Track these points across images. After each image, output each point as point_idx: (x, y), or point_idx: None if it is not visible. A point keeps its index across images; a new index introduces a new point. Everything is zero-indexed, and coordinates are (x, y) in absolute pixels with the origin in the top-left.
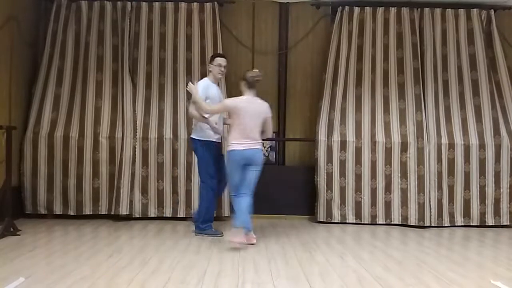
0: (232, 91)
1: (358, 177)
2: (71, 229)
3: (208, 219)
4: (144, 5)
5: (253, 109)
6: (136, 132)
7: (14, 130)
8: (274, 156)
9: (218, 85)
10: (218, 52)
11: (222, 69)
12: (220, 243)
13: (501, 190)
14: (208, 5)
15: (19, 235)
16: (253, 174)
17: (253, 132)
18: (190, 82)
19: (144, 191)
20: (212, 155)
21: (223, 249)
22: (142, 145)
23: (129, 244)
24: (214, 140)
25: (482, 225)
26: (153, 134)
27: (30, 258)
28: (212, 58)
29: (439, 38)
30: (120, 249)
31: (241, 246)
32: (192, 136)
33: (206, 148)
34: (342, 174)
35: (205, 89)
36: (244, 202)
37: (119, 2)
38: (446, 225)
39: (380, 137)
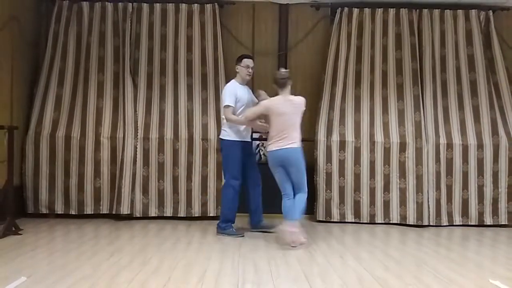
0: None
1: (357, 177)
2: (72, 229)
3: (229, 219)
4: (145, 6)
5: (286, 107)
6: (137, 132)
7: (16, 130)
8: None
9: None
10: (242, 54)
11: (250, 70)
12: (221, 244)
13: (499, 190)
14: (208, 6)
15: (20, 234)
16: (293, 174)
17: (289, 131)
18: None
19: (145, 191)
20: (240, 155)
21: (223, 249)
22: (143, 145)
23: (130, 244)
24: (245, 140)
25: (481, 224)
26: (154, 134)
27: (32, 257)
28: (240, 59)
29: (438, 39)
30: (121, 248)
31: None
32: (221, 137)
33: (235, 149)
34: (341, 173)
35: (233, 92)
36: (285, 203)
37: (120, 3)
38: (444, 224)
39: (379, 137)
